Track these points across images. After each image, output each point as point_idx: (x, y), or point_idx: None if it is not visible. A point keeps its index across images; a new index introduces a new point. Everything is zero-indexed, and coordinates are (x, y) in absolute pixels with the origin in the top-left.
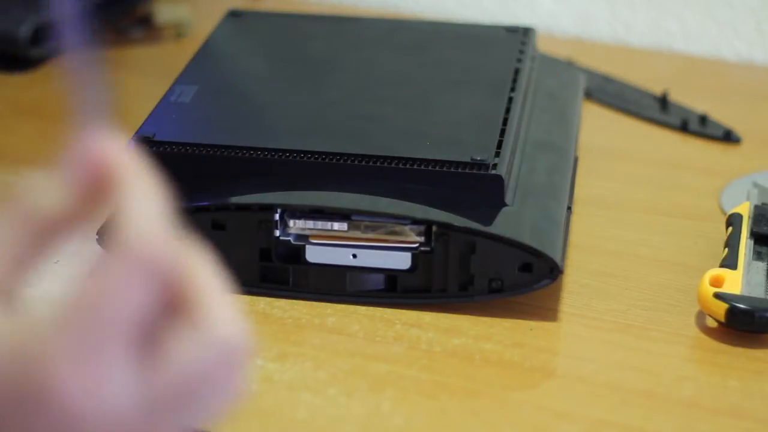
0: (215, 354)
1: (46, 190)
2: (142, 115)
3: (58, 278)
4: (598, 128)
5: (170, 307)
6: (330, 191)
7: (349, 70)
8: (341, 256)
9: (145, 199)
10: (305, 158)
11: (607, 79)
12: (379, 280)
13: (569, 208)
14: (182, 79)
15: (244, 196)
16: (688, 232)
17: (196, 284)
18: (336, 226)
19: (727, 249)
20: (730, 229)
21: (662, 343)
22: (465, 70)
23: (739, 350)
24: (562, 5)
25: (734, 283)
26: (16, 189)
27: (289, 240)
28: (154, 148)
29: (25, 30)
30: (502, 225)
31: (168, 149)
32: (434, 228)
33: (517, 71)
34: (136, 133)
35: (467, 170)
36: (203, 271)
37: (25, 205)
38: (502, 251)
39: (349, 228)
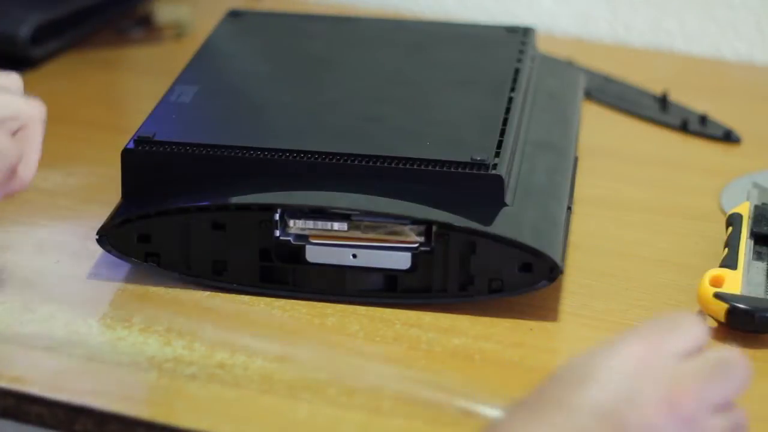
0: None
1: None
2: (142, 115)
3: (58, 278)
4: (598, 128)
5: None
6: (330, 191)
7: (349, 70)
8: (341, 256)
9: None
10: (305, 158)
11: (607, 79)
12: (379, 280)
13: (569, 208)
14: (182, 79)
15: (244, 196)
16: (688, 232)
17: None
18: (336, 226)
19: (727, 249)
20: (730, 229)
21: None
22: (465, 70)
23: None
24: (562, 5)
25: (734, 283)
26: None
27: (289, 240)
28: (154, 148)
29: (25, 30)
30: (502, 225)
31: (168, 149)
32: (434, 228)
33: (517, 71)
34: (136, 133)
35: (467, 170)
36: None
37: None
38: (502, 251)
39: (349, 228)
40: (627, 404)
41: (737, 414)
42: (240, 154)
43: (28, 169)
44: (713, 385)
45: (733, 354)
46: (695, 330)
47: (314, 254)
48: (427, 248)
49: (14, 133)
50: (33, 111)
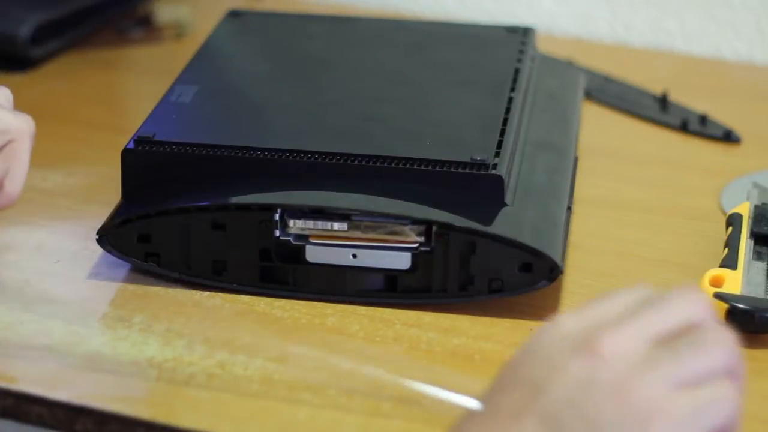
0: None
1: None
2: (142, 115)
3: (58, 278)
4: (598, 128)
5: None
6: (330, 191)
7: (349, 70)
8: (341, 256)
9: None
10: (305, 158)
11: (607, 79)
12: (379, 280)
13: (569, 208)
14: (182, 79)
15: (244, 196)
16: (688, 232)
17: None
18: (336, 226)
19: (727, 249)
20: (730, 229)
21: None
22: (465, 70)
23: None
24: (562, 5)
25: (734, 283)
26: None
27: (289, 240)
28: (154, 148)
29: (25, 30)
30: (502, 225)
31: (168, 149)
32: (434, 228)
33: (517, 71)
34: (136, 133)
35: (467, 170)
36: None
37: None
38: (502, 251)
39: (349, 228)
40: (549, 371)
41: (698, 334)
42: (240, 154)
43: (15, 183)
44: (636, 319)
45: (668, 292)
46: (630, 297)
47: (314, 254)
48: (427, 248)
49: (2, 148)
50: (22, 125)
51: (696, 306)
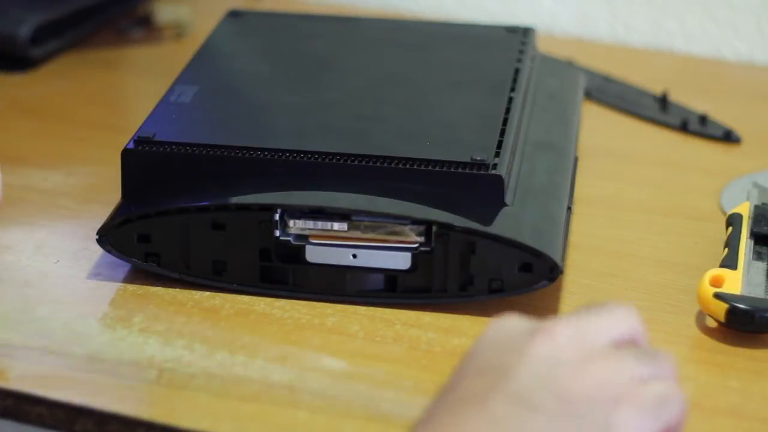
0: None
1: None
2: (142, 115)
3: (58, 278)
4: (598, 128)
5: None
6: (330, 191)
7: (349, 70)
8: (341, 256)
9: None
10: (305, 158)
11: (607, 79)
12: (379, 280)
13: (569, 208)
14: (182, 79)
15: (244, 196)
16: (688, 232)
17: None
18: (336, 226)
19: (727, 249)
20: (730, 229)
21: (662, 343)
22: (465, 70)
23: (739, 350)
24: (562, 5)
25: (734, 283)
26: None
27: (289, 240)
28: (154, 148)
29: (25, 30)
30: (502, 225)
31: (168, 149)
32: (434, 228)
33: (517, 71)
34: (137, 133)
35: (467, 170)
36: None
37: None
38: (502, 251)
39: (349, 228)
40: (511, 355)
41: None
42: (240, 154)
43: None
44: (584, 322)
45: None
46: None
47: (314, 254)
48: (427, 248)
49: None
50: None
51: (633, 321)
